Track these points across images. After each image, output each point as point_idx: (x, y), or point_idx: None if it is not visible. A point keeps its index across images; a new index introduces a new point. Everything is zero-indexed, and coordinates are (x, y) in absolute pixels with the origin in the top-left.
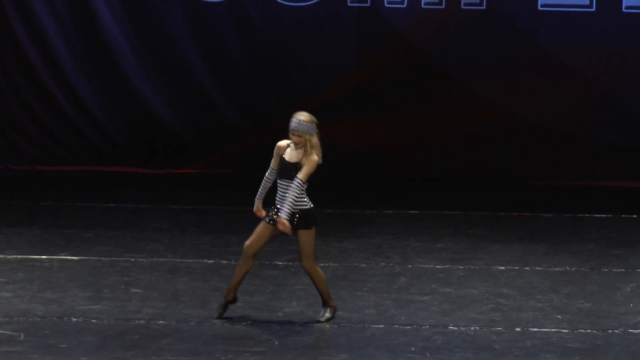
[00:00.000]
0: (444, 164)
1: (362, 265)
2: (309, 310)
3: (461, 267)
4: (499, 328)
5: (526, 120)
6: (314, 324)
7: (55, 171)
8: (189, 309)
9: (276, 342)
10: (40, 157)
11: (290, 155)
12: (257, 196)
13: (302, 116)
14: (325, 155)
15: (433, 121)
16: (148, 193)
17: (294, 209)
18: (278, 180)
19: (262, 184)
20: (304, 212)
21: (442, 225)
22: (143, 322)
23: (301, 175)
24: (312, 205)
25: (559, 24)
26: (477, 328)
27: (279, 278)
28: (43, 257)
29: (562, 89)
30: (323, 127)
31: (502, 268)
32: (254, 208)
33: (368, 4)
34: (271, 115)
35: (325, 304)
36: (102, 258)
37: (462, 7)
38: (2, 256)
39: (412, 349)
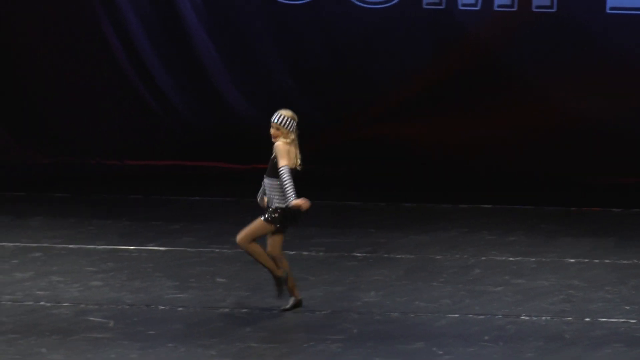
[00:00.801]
0: (514, 162)
1: (437, 257)
2: (386, 300)
3: (533, 259)
4: (569, 318)
5: (594, 120)
6: (392, 313)
7: (143, 165)
8: (271, 298)
9: (355, 331)
10: (129, 152)
11: (273, 152)
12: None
13: (284, 111)
14: (401, 151)
15: (503, 120)
16: (232, 187)
17: (278, 202)
18: (265, 179)
19: (262, 188)
20: (281, 210)
21: (514, 219)
22: (227, 310)
23: (280, 162)
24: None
25: (627, 27)
26: (548, 318)
27: (357, 269)
28: (132, 247)
29: (629, 91)
30: (398, 124)
31: (572, 261)
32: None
33: (443, 6)
34: (347, 113)
35: (278, 283)
36: (188, 249)
37: (533, 9)
38: (92, 247)
39: (486, 337)
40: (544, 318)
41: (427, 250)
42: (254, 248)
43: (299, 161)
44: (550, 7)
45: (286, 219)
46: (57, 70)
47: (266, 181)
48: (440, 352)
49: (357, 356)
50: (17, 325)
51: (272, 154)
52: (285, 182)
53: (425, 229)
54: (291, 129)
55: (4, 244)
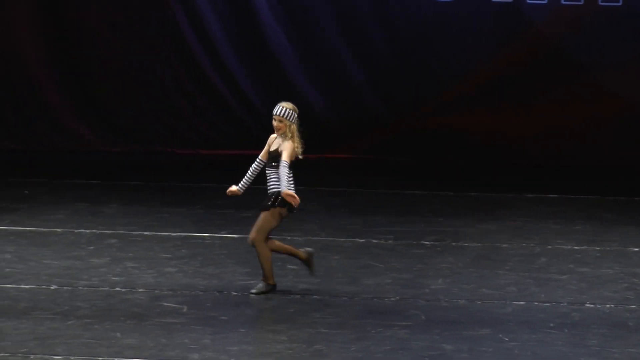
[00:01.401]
0: (578, 152)
1: (503, 246)
2: (453, 288)
3: (597, 248)
4: (633, 306)
5: None
6: (459, 300)
7: (215, 154)
8: (340, 285)
9: (423, 317)
10: (202, 142)
11: (275, 144)
12: (240, 184)
13: (285, 103)
14: (467, 142)
15: (567, 112)
16: (300, 176)
17: (276, 188)
18: (266, 170)
19: (247, 174)
20: (275, 197)
21: (578, 209)
22: (298, 296)
23: (283, 157)
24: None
25: None
26: (612, 306)
27: (425, 257)
28: (205, 234)
29: None
30: (464, 115)
31: (636, 249)
32: (229, 189)
33: (511, 0)
34: (412, 104)
35: (265, 279)
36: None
37: (600, 3)
38: (166, 234)
39: (551, 324)
40: (608, 306)
41: (493, 238)
42: (264, 250)
43: (300, 151)
44: (616, 0)
45: (284, 201)
46: (131, 61)
47: (269, 171)
48: (506, 339)
49: (424, 342)
50: (93, 310)
51: (273, 146)
52: (283, 173)
53: (491, 218)
54: (293, 120)
55: (80, 230)
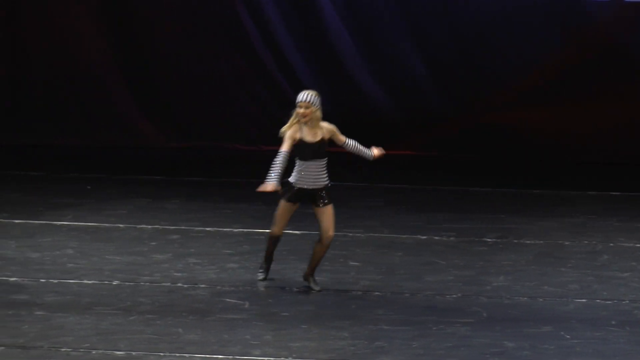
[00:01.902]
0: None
1: (565, 243)
2: (515, 285)
3: None
4: None
5: None
6: (521, 298)
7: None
8: (403, 281)
9: (484, 314)
10: (265, 138)
11: (308, 136)
12: (274, 178)
13: (308, 90)
14: (529, 138)
15: (628, 109)
16: (363, 172)
17: (324, 182)
18: (304, 162)
19: (278, 168)
20: (327, 189)
21: None
22: (360, 293)
23: (344, 137)
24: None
25: None
26: None
27: (487, 254)
28: (267, 230)
29: None
30: (526, 112)
31: None
32: (270, 187)
33: None
34: (475, 100)
35: (311, 273)
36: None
37: None
38: (229, 229)
39: (612, 322)
40: None
41: (555, 235)
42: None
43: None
44: None
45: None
46: (194, 57)
47: (313, 163)
48: (568, 336)
49: (485, 339)
50: (155, 305)
51: (288, 137)
52: (357, 145)
53: (553, 215)
54: (318, 106)
55: (142, 226)
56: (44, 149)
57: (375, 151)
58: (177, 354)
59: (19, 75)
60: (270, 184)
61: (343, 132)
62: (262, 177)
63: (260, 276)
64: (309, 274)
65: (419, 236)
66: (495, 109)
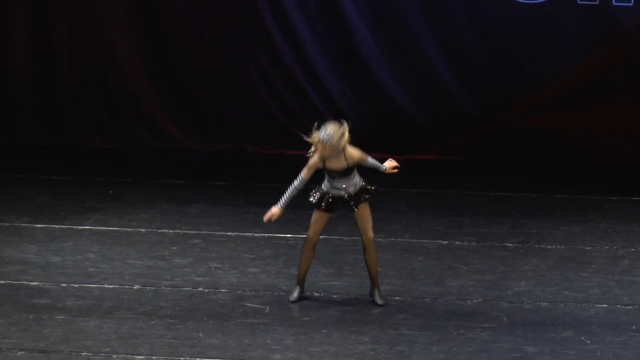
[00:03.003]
0: None
1: (587, 248)
2: (537, 290)
3: None
4: None
5: None
6: (542, 302)
7: (301, 155)
8: (424, 286)
9: (505, 319)
10: (287, 142)
11: (333, 164)
12: (280, 204)
13: (331, 124)
14: (552, 143)
15: None
16: (387, 177)
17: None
18: (332, 181)
19: (290, 193)
20: (360, 191)
21: None
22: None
23: (366, 157)
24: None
25: None
26: None
27: (509, 258)
28: (288, 235)
29: None
30: (553, 116)
31: None
32: (270, 214)
33: (597, 2)
34: (503, 104)
35: (376, 285)
36: (343, 237)
37: None
38: (250, 234)
39: (634, 327)
40: None
41: (577, 241)
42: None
43: None
44: None
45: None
46: (216, 61)
47: (339, 183)
48: (589, 342)
49: (507, 344)
50: (176, 310)
51: (312, 164)
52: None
53: (575, 220)
54: (339, 140)
55: (164, 230)
56: (71, 152)
57: (388, 164)
58: (198, 359)
59: (48, 78)
60: (276, 209)
61: (369, 137)
62: (285, 182)
63: (291, 298)
64: (373, 287)
65: (440, 241)
66: (523, 112)
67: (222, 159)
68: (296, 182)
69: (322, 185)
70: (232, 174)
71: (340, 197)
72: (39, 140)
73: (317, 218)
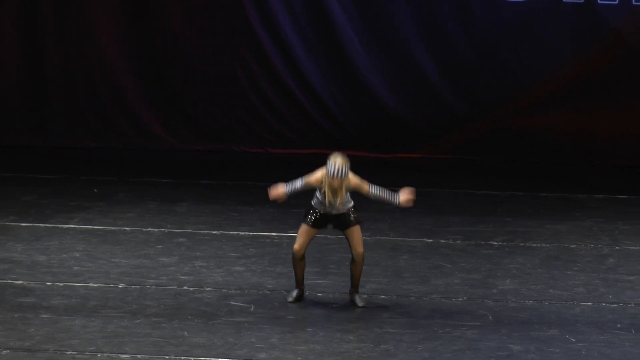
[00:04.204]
0: None
1: (573, 247)
2: (522, 288)
3: None
4: None
5: None
6: (527, 301)
7: (287, 154)
8: (409, 285)
9: (490, 317)
10: (273, 141)
11: (331, 190)
12: (287, 189)
13: (339, 158)
14: (539, 143)
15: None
16: (375, 176)
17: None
18: (325, 199)
19: (294, 188)
20: (353, 211)
21: None
22: (366, 296)
23: (367, 187)
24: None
25: None
26: None
27: (494, 257)
28: (273, 234)
29: None
30: (541, 116)
31: None
32: (276, 194)
33: (582, 1)
34: (491, 104)
35: (357, 289)
36: (329, 236)
37: None
38: (236, 233)
39: (619, 325)
40: None
41: (562, 239)
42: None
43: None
44: None
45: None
46: (202, 60)
47: (336, 200)
48: (574, 340)
49: (492, 342)
50: (161, 308)
51: (317, 179)
52: (382, 192)
53: (561, 219)
54: (348, 173)
55: (150, 229)
56: (58, 151)
57: (402, 197)
58: (183, 357)
59: (35, 77)
60: (282, 191)
61: (356, 136)
62: (269, 181)
63: (290, 298)
64: (354, 292)
65: (425, 239)
66: (512, 113)
67: (208, 158)
68: (300, 183)
69: (312, 202)
70: (218, 173)
71: (329, 215)
72: (25, 139)
73: (303, 232)
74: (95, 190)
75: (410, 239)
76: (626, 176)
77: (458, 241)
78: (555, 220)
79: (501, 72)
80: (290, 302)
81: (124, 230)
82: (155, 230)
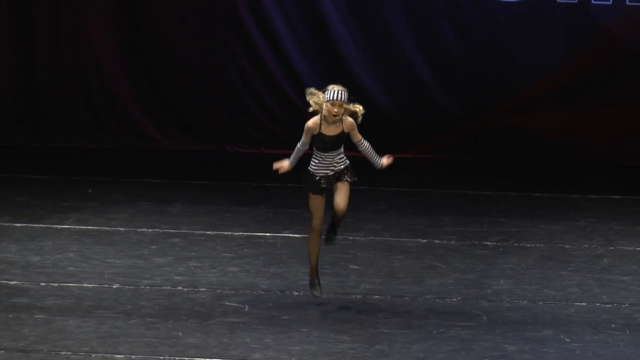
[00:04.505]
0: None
1: (567, 247)
2: (516, 288)
3: None
4: None
5: None
6: (521, 301)
7: (280, 154)
8: (403, 285)
9: (485, 318)
10: (267, 141)
11: (328, 130)
12: (291, 160)
13: (337, 86)
14: (532, 143)
15: (636, 113)
16: (367, 176)
17: (344, 164)
18: (322, 154)
19: (296, 153)
20: (347, 168)
21: None
22: (360, 296)
23: (359, 137)
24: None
25: None
26: None
27: (488, 257)
28: (268, 234)
29: None
30: (534, 116)
31: None
32: (280, 165)
33: (576, 1)
34: (483, 104)
35: (335, 229)
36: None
37: None
38: (230, 233)
39: (613, 325)
40: None
41: (556, 239)
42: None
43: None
44: None
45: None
46: (196, 61)
47: (329, 154)
48: (568, 340)
49: (486, 342)
50: (156, 309)
51: (306, 131)
52: (371, 150)
53: (555, 219)
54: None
55: (144, 229)
56: (52, 151)
57: (385, 160)
58: (178, 358)
59: (28, 78)
60: (286, 163)
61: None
62: (264, 180)
63: (315, 293)
64: (329, 233)
65: (419, 239)
66: (504, 113)
67: (201, 159)
68: (299, 145)
69: (310, 167)
70: (212, 173)
71: (329, 176)
72: (19, 139)
73: (315, 204)
74: (89, 191)
75: (405, 239)
76: (620, 176)
77: (452, 241)
78: (550, 221)
79: (494, 72)
80: (317, 296)
81: (118, 230)
82: (149, 230)
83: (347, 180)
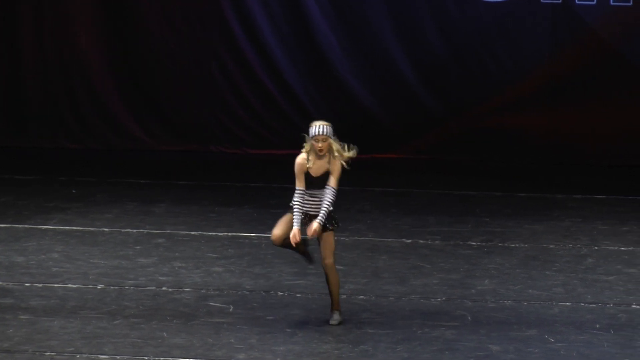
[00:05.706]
0: (630, 153)
1: (551, 247)
2: (500, 288)
3: None
4: None
5: None
6: (506, 301)
7: (265, 154)
8: (388, 285)
9: (469, 318)
10: (251, 141)
11: (314, 169)
12: (295, 223)
13: (320, 121)
14: (516, 143)
15: (618, 113)
16: (352, 176)
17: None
18: (309, 191)
19: (297, 210)
20: (329, 215)
21: (628, 209)
22: (344, 296)
23: (333, 183)
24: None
25: None
26: None
27: (473, 257)
28: (252, 234)
29: None
30: (518, 116)
31: None
32: (292, 238)
33: (560, 1)
34: (467, 104)
35: (335, 307)
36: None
37: None
38: (214, 233)
39: (597, 325)
40: None
41: (541, 239)
42: (337, 275)
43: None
44: None
45: (334, 218)
46: (180, 61)
47: (314, 192)
48: (552, 340)
49: (470, 343)
50: (140, 309)
51: (298, 172)
52: (329, 202)
53: (539, 219)
54: (333, 135)
55: (128, 230)
56: (35, 151)
57: (314, 225)
58: (162, 358)
59: (12, 78)
60: (296, 229)
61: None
62: (248, 181)
63: (333, 322)
64: (333, 308)
65: (404, 240)
66: (488, 112)
67: (186, 159)
68: (296, 196)
69: (292, 204)
70: (196, 173)
71: (310, 215)
72: (3, 140)
73: (284, 219)
74: (74, 191)
75: (389, 240)
76: (605, 176)
77: (437, 241)
78: (534, 221)
79: (478, 72)
80: (334, 324)
81: (103, 231)
82: (134, 231)
83: (330, 230)
